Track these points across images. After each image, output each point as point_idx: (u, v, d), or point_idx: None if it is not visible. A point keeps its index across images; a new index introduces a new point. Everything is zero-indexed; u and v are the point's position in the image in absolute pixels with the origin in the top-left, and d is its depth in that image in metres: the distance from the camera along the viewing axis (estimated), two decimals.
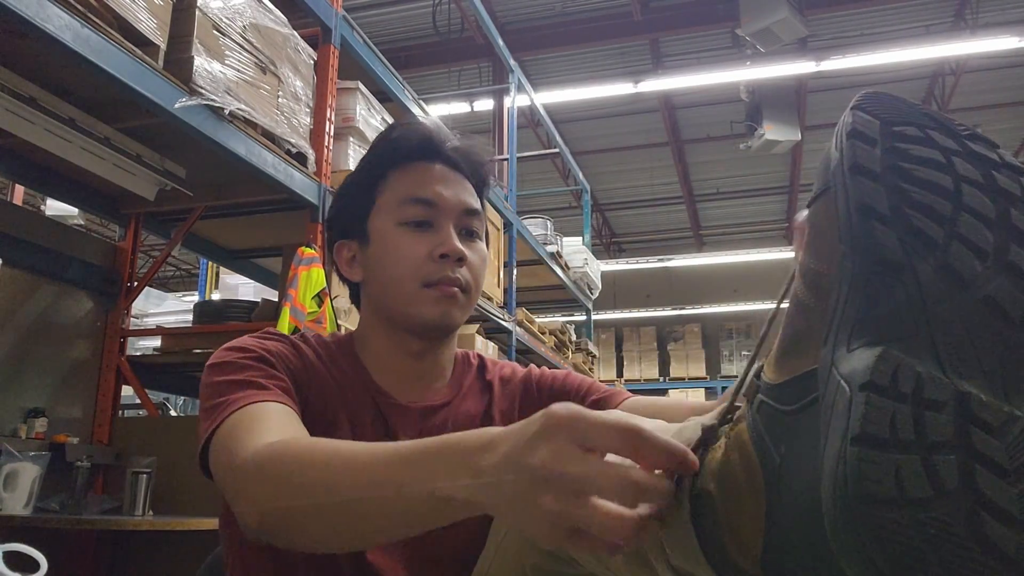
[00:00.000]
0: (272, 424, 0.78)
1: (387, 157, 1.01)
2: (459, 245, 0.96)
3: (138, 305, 4.31)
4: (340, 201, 1.05)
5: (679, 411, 0.93)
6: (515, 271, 4.91)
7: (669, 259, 11.49)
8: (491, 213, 4.44)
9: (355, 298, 1.06)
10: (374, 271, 0.99)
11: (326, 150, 2.71)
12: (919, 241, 0.47)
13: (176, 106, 2.00)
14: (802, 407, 0.52)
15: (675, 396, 11.87)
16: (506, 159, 5.69)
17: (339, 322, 2.58)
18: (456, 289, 0.96)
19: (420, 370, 1.00)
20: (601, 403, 1.03)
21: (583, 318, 7.18)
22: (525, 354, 5.33)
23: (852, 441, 0.43)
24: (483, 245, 1.03)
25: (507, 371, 1.10)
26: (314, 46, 2.73)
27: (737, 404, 0.61)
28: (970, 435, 0.42)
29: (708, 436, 0.59)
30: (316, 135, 2.69)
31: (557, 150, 7.37)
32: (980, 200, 0.49)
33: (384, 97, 3.23)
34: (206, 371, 0.89)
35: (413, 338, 0.98)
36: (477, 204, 1.02)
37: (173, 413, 5.36)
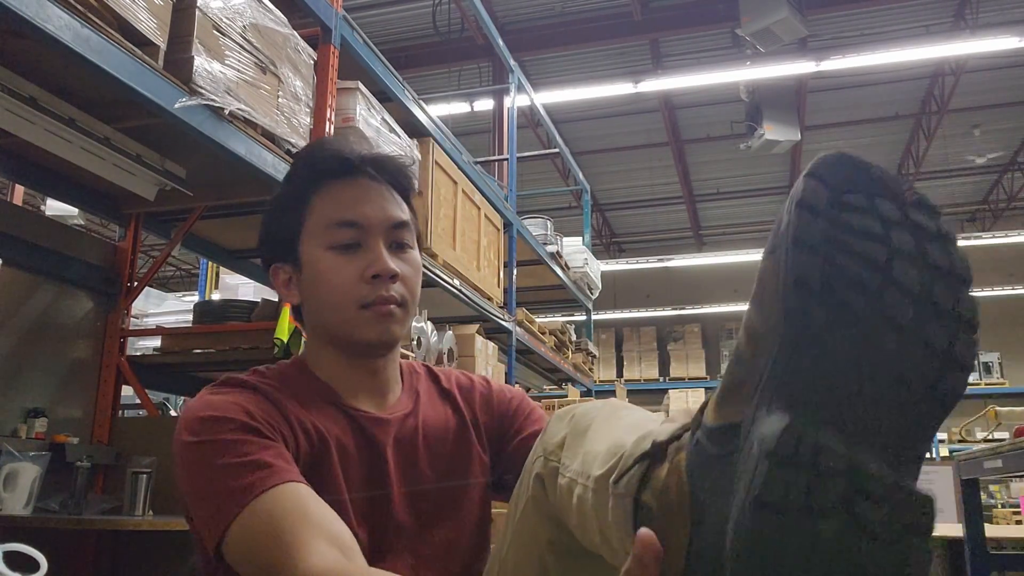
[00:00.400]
0: (302, 519, 0.78)
1: (308, 179, 1.01)
2: (390, 264, 0.97)
3: (138, 305, 4.31)
4: (268, 225, 1.05)
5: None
6: (515, 271, 4.91)
7: (669, 259, 11.49)
8: (491, 213, 4.44)
9: (299, 317, 1.06)
10: (310, 296, 1.00)
11: None
12: (844, 316, 0.50)
13: (176, 106, 1.99)
14: (727, 454, 0.56)
15: (676, 396, 11.88)
16: (506, 159, 5.69)
17: None
18: (392, 306, 0.97)
19: (378, 384, 1.02)
20: (531, 437, 1.07)
21: (583, 318, 7.18)
22: (525, 354, 5.32)
23: (751, 503, 0.48)
24: (415, 253, 1.03)
25: (463, 380, 1.13)
26: (314, 46, 2.73)
27: (688, 426, 0.65)
28: (853, 503, 0.47)
29: (656, 452, 0.65)
30: (316, 135, 2.68)
31: (557, 150, 7.37)
32: (909, 274, 0.51)
33: (384, 97, 3.23)
34: (190, 448, 0.86)
35: (359, 358, 1.00)
36: (404, 215, 1.02)
37: (173, 413, 5.35)
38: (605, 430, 0.80)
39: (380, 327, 0.96)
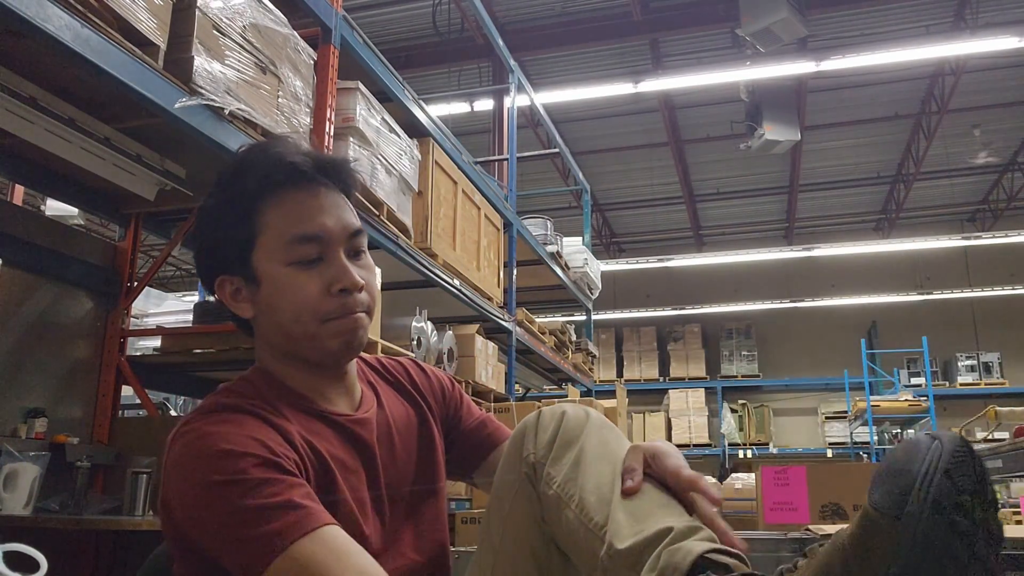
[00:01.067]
0: (344, 567, 0.79)
1: (257, 189, 0.97)
2: (356, 276, 0.97)
3: (138, 305, 4.30)
4: (213, 235, 1.00)
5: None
6: (515, 271, 4.91)
7: (669, 259, 11.47)
8: (491, 213, 4.44)
9: (246, 328, 1.03)
10: (269, 312, 0.97)
11: (326, 150, 2.71)
12: None
13: (176, 106, 1.99)
14: None
15: (675, 396, 11.88)
16: (506, 159, 5.69)
17: None
18: (359, 314, 0.98)
19: (347, 384, 1.04)
20: (480, 426, 1.19)
21: (583, 318, 7.18)
22: (525, 354, 5.32)
23: None
24: (368, 257, 1.03)
25: (396, 365, 1.17)
26: (314, 46, 2.73)
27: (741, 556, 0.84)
28: None
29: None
30: (316, 135, 2.68)
31: (557, 150, 7.37)
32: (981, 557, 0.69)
33: (384, 97, 3.23)
34: (217, 487, 0.82)
35: (325, 368, 1.00)
36: (358, 221, 1.02)
37: (173, 413, 5.35)
38: (597, 458, 0.96)
39: (347, 337, 0.97)
